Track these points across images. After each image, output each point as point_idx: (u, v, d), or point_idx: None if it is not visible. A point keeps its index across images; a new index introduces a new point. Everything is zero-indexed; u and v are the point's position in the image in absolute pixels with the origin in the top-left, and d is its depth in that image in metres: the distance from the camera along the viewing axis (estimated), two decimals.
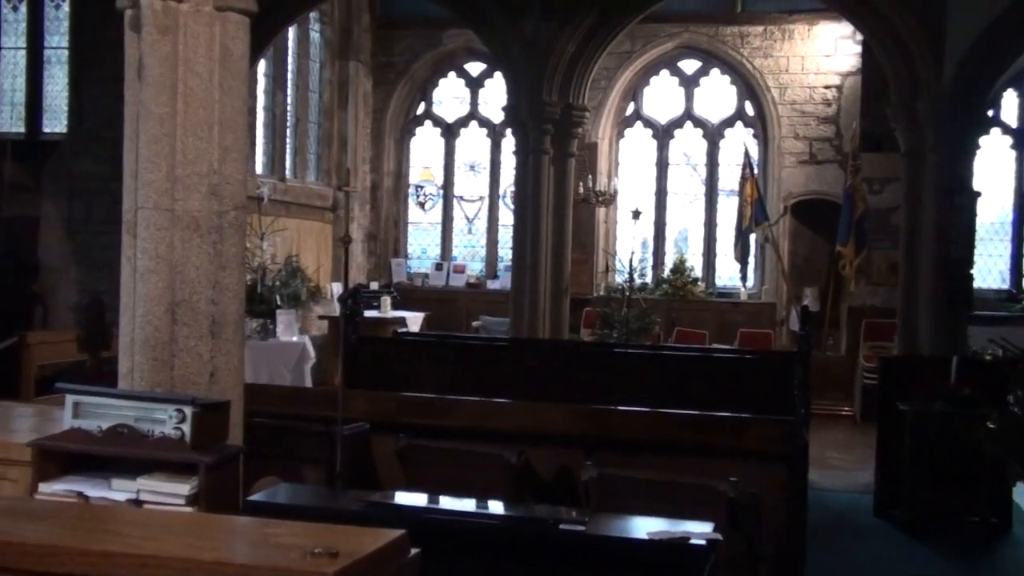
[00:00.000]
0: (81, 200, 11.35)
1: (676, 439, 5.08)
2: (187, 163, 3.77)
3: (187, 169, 3.77)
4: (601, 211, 14.41)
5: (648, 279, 14.25)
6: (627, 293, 11.89)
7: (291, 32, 13.45)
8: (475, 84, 15.41)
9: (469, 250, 15.57)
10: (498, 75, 14.81)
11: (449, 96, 15.56)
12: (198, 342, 3.77)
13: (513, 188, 13.92)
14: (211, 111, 3.79)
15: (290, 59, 13.65)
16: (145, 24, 3.69)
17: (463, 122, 15.51)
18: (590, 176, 13.80)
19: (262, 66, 12.68)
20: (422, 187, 15.72)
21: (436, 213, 15.65)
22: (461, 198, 15.58)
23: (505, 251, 15.08)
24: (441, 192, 15.61)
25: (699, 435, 5.09)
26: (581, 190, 13.33)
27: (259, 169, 12.79)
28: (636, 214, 13.43)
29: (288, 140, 13.63)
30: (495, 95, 15.23)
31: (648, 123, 14.74)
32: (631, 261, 12.48)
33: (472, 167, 15.53)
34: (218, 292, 3.81)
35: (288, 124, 13.62)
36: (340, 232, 13.10)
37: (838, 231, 12.08)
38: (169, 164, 3.74)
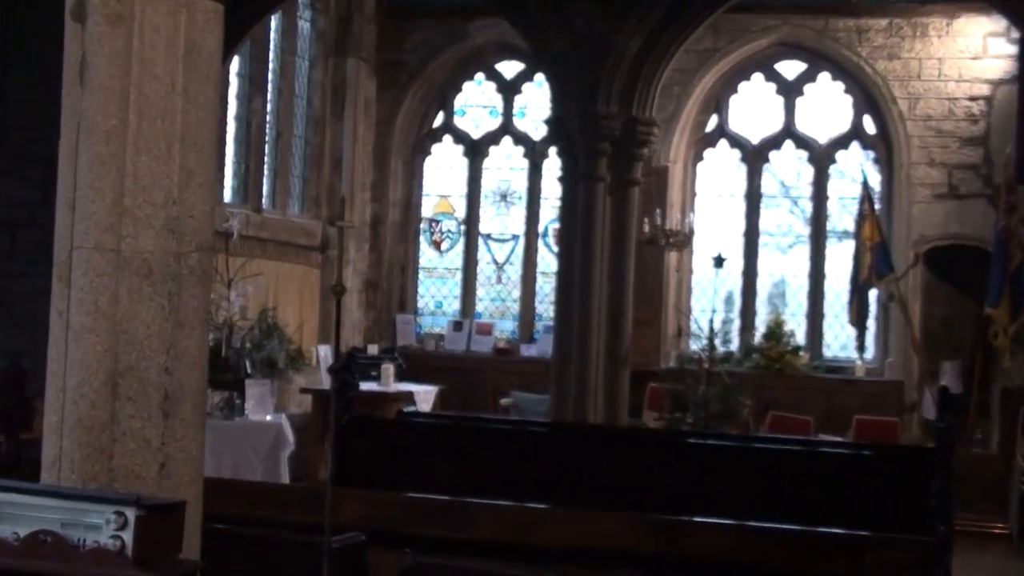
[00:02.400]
0: (1, 234, 11.52)
1: (770, 562, 5.02)
2: (139, 190, 3.81)
3: (138, 198, 3.81)
4: (672, 256, 14.39)
5: (734, 347, 14.16)
6: (705, 365, 11.80)
7: (274, 21, 13.68)
8: (509, 89, 15.56)
9: (498, 305, 15.60)
10: (540, 78, 14.94)
11: (476, 104, 15.71)
12: (146, 423, 3.78)
13: (557, 225, 13.95)
14: (172, 124, 3.84)
15: (272, 55, 13.87)
16: (91, 12, 3.76)
17: (493, 138, 15.63)
18: (658, 210, 13.82)
19: (235, 64, 12.89)
20: (438, 222, 15.82)
21: (456, 256, 15.73)
22: (489, 236, 15.65)
23: (545, 307, 15.08)
24: (463, 229, 15.69)
25: (801, 558, 5.02)
26: (646, 228, 13.34)
27: (228, 196, 12.94)
28: (719, 261, 13.34)
29: (266, 159, 13.80)
30: (535, 104, 15.34)
31: (735, 142, 14.77)
32: (711, 323, 12.41)
33: (504, 197, 15.62)
34: (173, 358, 3.83)
35: (267, 138, 13.80)
36: (331, 279, 13.17)
37: (988, 288, 11.97)
38: (116, 191, 3.79)
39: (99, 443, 3.74)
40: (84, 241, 3.79)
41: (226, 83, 12.37)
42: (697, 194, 14.86)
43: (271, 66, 13.87)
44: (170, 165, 3.85)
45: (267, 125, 13.80)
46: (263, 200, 13.67)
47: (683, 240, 14.04)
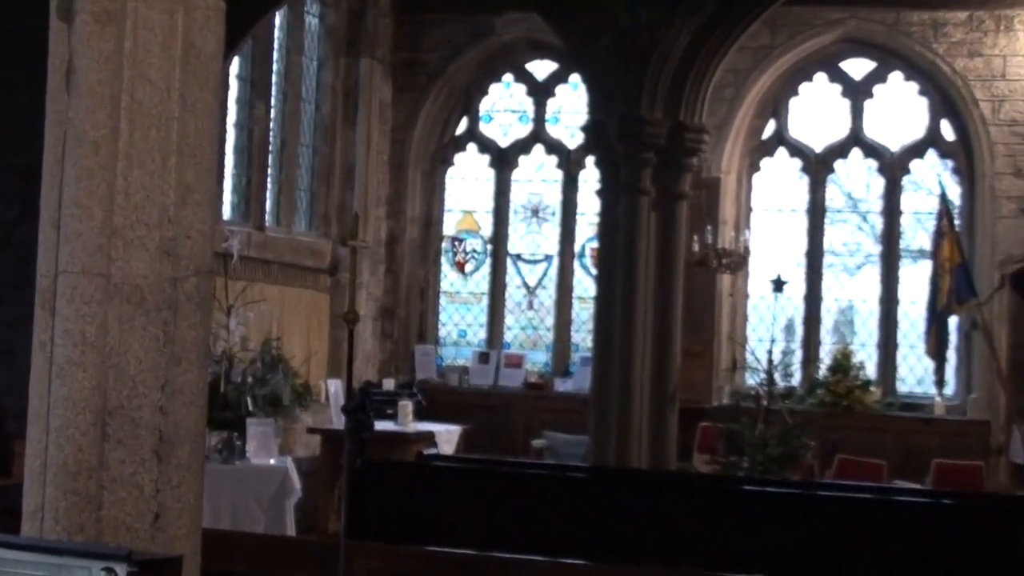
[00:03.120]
0: None
1: None
2: (131, 208, 3.83)
3: (130, 216, 3.83)
4: (726, 279, 14.35)
5: (795, 381, 14.09)
6: (764, 402, 11.75)
7: (278, 18, 13.76)
8: (541, 92, 15.59)
9: (529, 334, 15.58)
10: (575, 79, 14.96)
11: (503, 109, 15.74)
12: (138, 468, 3.79)
13: (595, 244, 13.94)
14: (167, 134, 3.86)
15: (276, 55, 13.94)
16: (79, 10, 3.79)
17: (523, 147, 15.66)
18: (709, 227, 13.79)
19: (235, 65, 12.97)
20: (462, 241, 15.84)
21: (482, 279, 15.73)
22: (518, 257, 15.65)
23: (582, 336, 15.05)
24: (489, 248, 15.70)
25: None
26: (696, 247, 13.31)
27: (227, 213, 13.00)
28: (778, 284, 13.32)
29: (270, 171, 13.86)
30: (570, 108, 15.36)
31: (796, 151, 14.74)
32: (770, 354, 12.36)
33: (535, 212, 15.63)
34: (169, 396, 3.84)
35: (270, 148, 13.86)
36: (342, 306, 13.20)
37: None
38: (105, 209, 3.81)
39: (86, 490, 3.75)
40: (70, 265, 3.81)
41: (225, 87, 12.45)
42: (753, 209, 14.82)
43: (275, 67, 13.94)
44: (165, 180, 3.87)
45: (270, 133, 13.86)
46: (266, 217, 13.72)
47: (737, 261, 14.00)
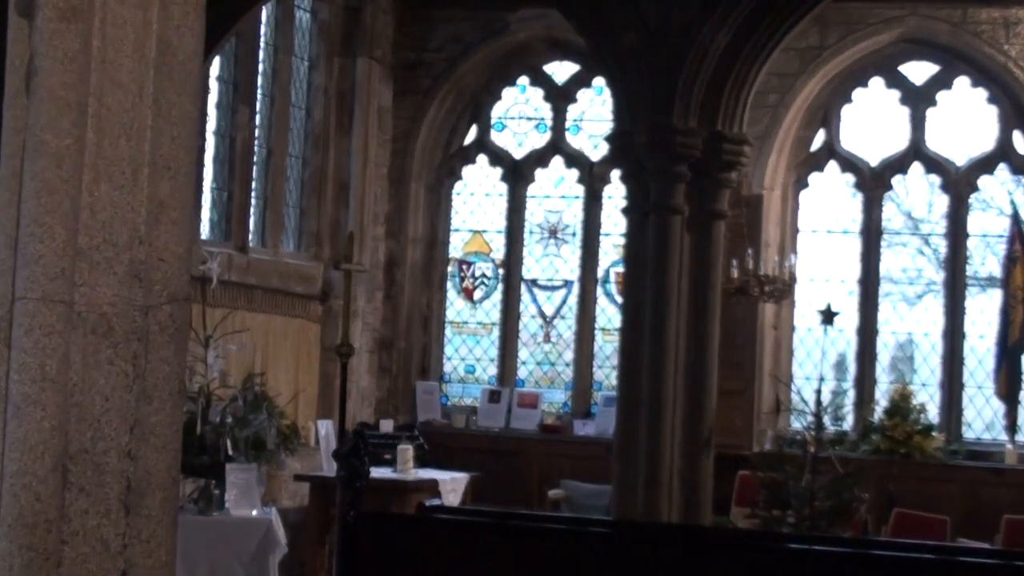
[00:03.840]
0: None
1: None
2: (97, 227, 3.84)
3: (97, 237, 3.84)
4: (769, 309, 14.34)
5: (848, 425, 14.06)
6: (811, 448, 11.72)
7: (265, 13, 13.81)
8: (561, 97, 15.62)
9: (546, 370, 15.58)
10: (599, 83, 14.98)
11: (518, 116, 15.77)
12: (103, 520, 3.79)
13: (621, 269, 13.94)
14: (139, 144, 3.87)
15: (262, 55, 13.99)
16: (41, 5, 3.81)
17: (540, 159, 15.68)
18: (750, 250, 13.79)
19: (216, 66, 13.02)
20: (470, 264, 15.84)
21: (492, 308, 15.73)
22: (534, 283, 15.66)
23: (606, 372, 15.03)
24: (501, 273, 15.71)
25: None
26: (735, 273, 13.31)
27: (205, 233, 13.03)
28: (828, 315, 13.31)
29: (254, 185, 13.90)
30: (593, 116, 15.38)
31: (849, 164, 14.74)
32: (818, 394, 12.34)
33: (553, 233, 15.63)
34: (138, 438, 3.84)
35: (255, 159, 13.90)
36: (334, 337, 13.22)
37: None
38: (69, 228, 3.82)
39: (45, 545, 3.75)
40: (28, 290, 3.81)
41: (205, 91, 12.48)
42: (800, 230, 14.82)
43: (261, 69, 13.99)
44: (136, 195, 3.88)
45: (255, 142, 13.90)
46: (250, 237, 13.75)
47: (782, 288, 13.98)
